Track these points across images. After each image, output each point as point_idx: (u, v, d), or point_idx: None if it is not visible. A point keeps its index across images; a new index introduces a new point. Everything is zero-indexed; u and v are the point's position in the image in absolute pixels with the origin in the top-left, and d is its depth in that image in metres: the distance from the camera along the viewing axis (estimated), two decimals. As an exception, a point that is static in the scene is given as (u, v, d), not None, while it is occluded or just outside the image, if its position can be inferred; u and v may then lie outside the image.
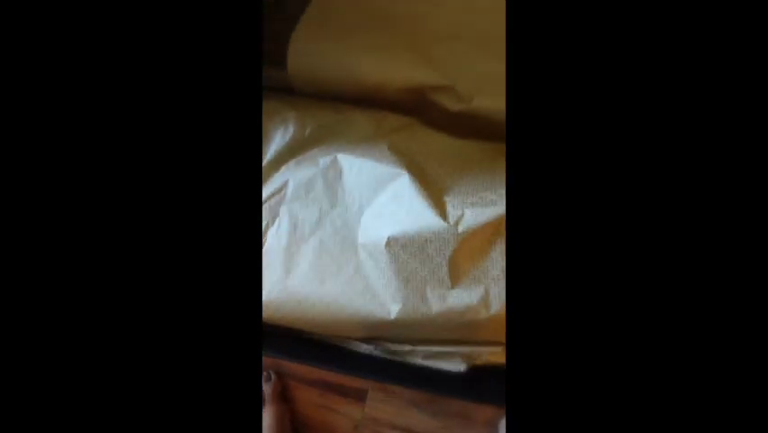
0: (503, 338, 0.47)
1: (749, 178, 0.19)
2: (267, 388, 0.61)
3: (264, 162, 0.51)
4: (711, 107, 0.20)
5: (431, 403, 0.62)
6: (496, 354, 0.48)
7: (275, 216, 0.50)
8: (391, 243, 0.45)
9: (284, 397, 0.62)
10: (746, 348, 0.19)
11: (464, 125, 0.51)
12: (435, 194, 0.46)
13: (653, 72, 0.20)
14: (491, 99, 0.49)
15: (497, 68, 0.36)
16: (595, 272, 0.21)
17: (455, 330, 0.47)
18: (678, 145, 0.20)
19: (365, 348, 0.53)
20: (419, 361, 0.50)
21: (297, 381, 0.63)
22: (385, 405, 0.62)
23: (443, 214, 0.45)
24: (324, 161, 0.50)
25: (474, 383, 0.51)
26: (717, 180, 0.20)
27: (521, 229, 0.21)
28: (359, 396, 0.63)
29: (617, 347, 0.20)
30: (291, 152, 0.51)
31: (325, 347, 0.53)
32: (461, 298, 0.45)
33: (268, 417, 0.59)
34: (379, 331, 0.49)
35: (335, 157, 0.49)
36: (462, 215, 0.45)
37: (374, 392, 0.63)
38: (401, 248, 0.45)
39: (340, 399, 0.63)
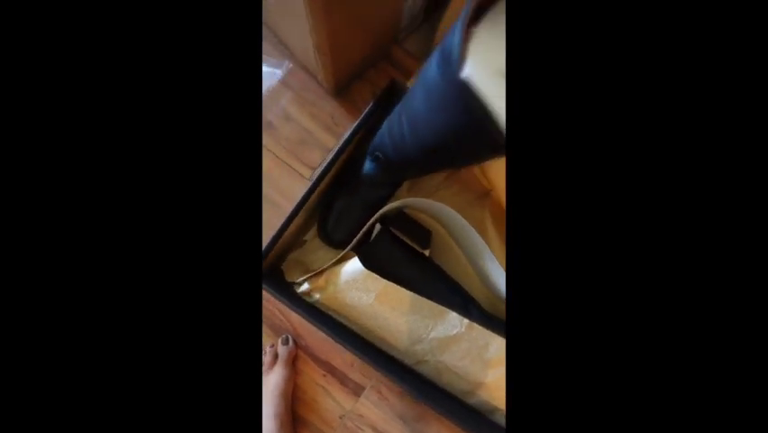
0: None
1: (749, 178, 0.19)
2: (283, 351, 0.62)
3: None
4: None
5: (418, 420, 0.65)
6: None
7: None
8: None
9: (294, 364, 0.63)
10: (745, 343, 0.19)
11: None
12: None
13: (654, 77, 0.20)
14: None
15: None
16: (591, 273, 0.21)
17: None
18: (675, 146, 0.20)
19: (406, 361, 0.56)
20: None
21: (307, 354, 0.65)
22: (375, 407, 0.65)
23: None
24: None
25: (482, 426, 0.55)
26: (717, 180, 0.19)
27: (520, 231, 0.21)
28: (356, 390, 0.65)
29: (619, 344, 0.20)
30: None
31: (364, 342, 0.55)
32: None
33: (276, 376, 0.60)
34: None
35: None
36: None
37: (370, 392, 0.65)
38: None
39: (339, 386, 0.65)
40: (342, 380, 0.65)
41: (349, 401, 0.65)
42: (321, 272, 0.54)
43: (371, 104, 0.51)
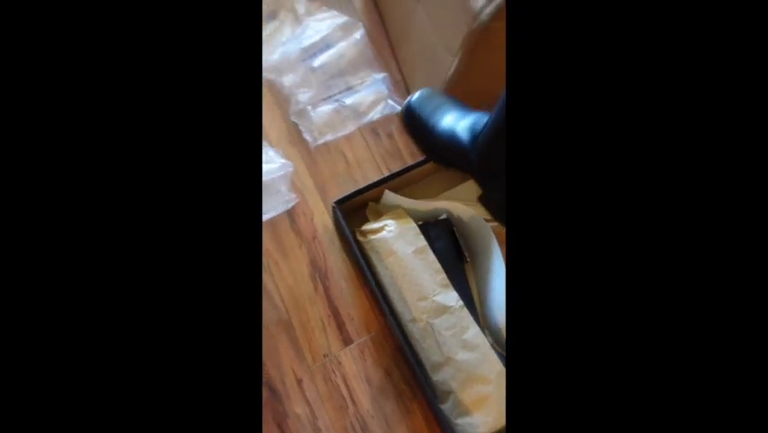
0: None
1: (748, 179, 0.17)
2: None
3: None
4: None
5: (381, 392, 0.77)
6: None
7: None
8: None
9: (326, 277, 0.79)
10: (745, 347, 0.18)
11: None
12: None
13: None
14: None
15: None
16: (593, 274, 0.20)
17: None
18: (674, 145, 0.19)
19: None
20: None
21: (326, 294, 0.80)
22: (354, 361, 0.78)
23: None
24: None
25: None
26: (716, 180, 0.18)
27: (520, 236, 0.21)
28: (346, 340, 0.79)
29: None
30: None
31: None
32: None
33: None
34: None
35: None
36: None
37: (355, 347, 0.79)
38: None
39: (337, 329, 0.79)
40: (340, 326, 0.80)
41: (336, 346, 0.78)
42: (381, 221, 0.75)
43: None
